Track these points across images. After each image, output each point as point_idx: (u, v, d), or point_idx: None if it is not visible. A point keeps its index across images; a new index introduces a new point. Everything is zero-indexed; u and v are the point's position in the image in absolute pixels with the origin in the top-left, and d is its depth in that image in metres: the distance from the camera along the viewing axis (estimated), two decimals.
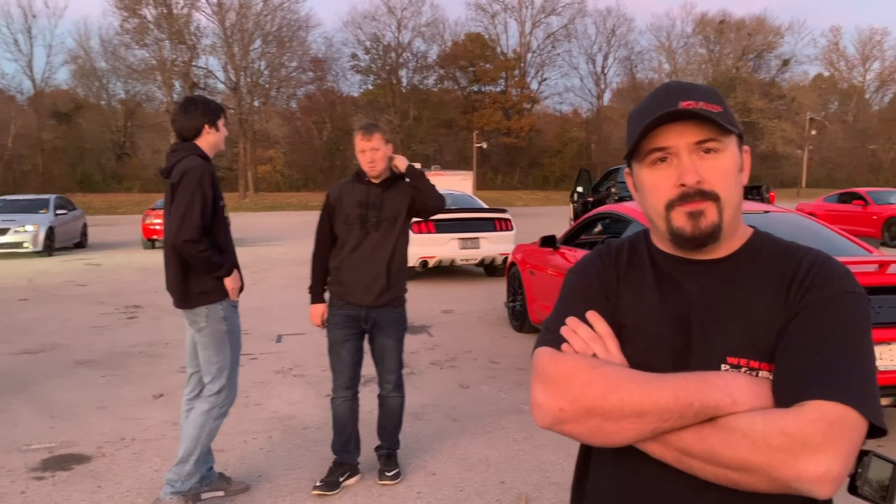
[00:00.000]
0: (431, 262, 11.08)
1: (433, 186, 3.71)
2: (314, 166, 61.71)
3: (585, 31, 76.85)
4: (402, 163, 3.66)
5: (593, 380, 1.09)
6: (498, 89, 66.79)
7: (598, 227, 7.26)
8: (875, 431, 1.02)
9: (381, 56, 63.91)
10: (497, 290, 10.13)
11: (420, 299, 9.68)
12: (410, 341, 7.21)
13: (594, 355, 1.15)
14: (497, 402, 5.24)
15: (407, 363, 5.63)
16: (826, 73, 70.96)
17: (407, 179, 3.72)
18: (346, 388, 3.74)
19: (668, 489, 1.12)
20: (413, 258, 10.79)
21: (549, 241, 7.01)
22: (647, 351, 1.15)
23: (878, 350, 4.03)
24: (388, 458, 3.87)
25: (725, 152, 1.13)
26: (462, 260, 11.32)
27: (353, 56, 64.81)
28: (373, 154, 3.55)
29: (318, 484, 3.70)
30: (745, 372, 1.08)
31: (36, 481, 3.85)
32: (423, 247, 10.86)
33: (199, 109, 3.46)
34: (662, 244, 1.22)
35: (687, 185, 1.11)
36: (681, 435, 1.04)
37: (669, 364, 1.12)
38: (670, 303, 1.17)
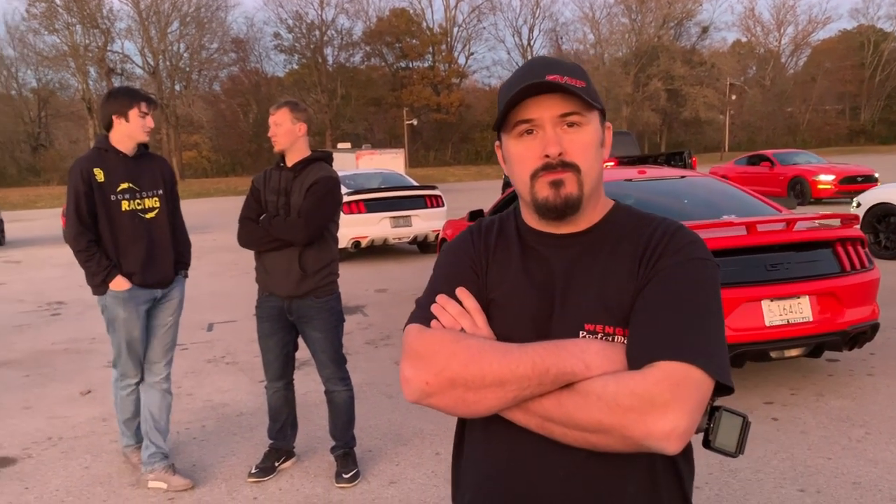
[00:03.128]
0: (364, 243, 11.04)
1: (286, 229, 3.44)
2: (241, 150, 60.33)
3: (510, 4, 77.74)
4: None
5: (456, 352, 1.14)
6: (426, 65, 66.41)
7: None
8: (724, 390, 1.08)
9: (305, 34, 62.69)
10: (430, 266, 10.17)
11: (354, 280, 9.67)
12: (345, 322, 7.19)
13: (462, 330, 1.19)
14: None
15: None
16: (744, 39, 73.12)
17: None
18: (278, 380, 3.70)
19: (532, 455, 1.16)
20: (345, 239, 10.73)
21: (476, 216, 7.10)
22: (512, 323, 1.20)
23: (787, 304, 4.24)
24: (345, 458, 3.67)
25: (588, 126, 1.18)
26: (395, 238, 11.32)
27: (276, 35, 63.55)
28: (274, 129, 3.45)
29: (253, 471, 3.70)
30: (600, 337, 1.13)
31: None
32: (355, 227, 10.82)
33: (108, 100, 3.49)
34: (530, 219, 1.27)
35: (550, 155, 1.16)
36: (542, 401, 1.09)
37: (532, 333, 1.16)
38: (534, 276, 1.22)
